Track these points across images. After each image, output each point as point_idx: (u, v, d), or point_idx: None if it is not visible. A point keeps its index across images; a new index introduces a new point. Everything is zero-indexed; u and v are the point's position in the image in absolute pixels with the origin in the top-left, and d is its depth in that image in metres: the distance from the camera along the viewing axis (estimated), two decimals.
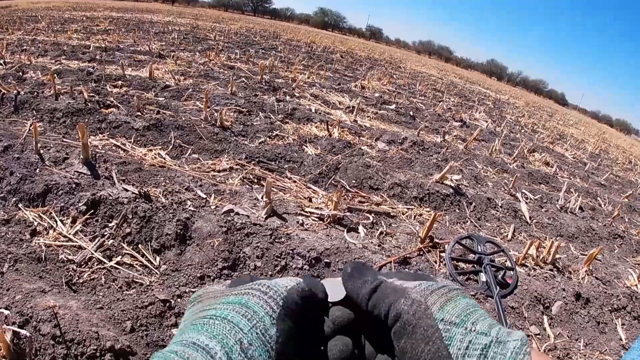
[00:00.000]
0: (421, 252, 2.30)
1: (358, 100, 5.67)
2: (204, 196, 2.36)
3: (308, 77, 7.04)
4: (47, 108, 3.23)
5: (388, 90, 8.11)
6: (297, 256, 1.90)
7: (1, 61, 4.67)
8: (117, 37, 8.28)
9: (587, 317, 2.22)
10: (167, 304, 1.52)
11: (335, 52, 14.51)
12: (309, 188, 2.79)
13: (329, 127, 4.04)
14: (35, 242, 1.72)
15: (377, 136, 4.34)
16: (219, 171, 2.77)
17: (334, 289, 0.41)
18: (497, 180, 4.00)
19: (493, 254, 2.17)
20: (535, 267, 2.51)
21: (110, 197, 2.01)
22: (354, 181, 3.00)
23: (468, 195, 3.21)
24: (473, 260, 2.10)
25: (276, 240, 1.99)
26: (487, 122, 7.56)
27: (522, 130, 8.30)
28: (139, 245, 1.85)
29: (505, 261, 2.32)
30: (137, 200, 2.06)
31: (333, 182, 2.97)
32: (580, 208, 3.88)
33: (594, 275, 2.66)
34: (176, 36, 9.82)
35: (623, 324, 2.27)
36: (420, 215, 2.80)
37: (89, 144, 2.44)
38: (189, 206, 2.18)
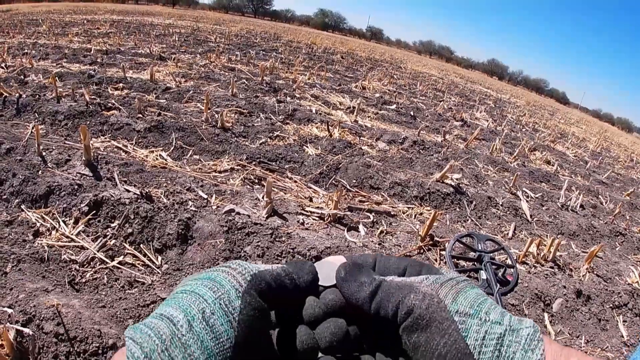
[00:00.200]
0: (421, 251, 2.31)
1: (358, 100, 5.68)
2: (205, 196, 2.37)
3: (309, 78, 7.05)
4: (49, 111, 3.26)
5: (389, 90, 8.13)
6: (297, 255, 1.92)
7: (3, 65, 4.70)
8: (118, 40, 8.31)
9: (588, 314, 2.22)
10: None
11: (335, 53, 14.54)
12: (310, 188, 2.80)
13: (330, 127, 4.05)
14: (38, 243, 1.74)
15: (377, 136, 4.35)
16: (220, 172, 2.79)
17: (333, 270, 0.40)
18: (497, 179, 4.00)
19: (493, 251, 2.18)
20: (535, 264, 2.51)
21: (112, 198, 2.02)
22: (354, 181, 3.01)
23: (469, 194, 3.21)
24: (473, 258, 2.11)
25: (277, 240, 2.01)
26: (487, 121, 7.56)
27: (523, 129, 8.30)
28: (141, 245, 1.86)
29: (506, 259, 2.32)
30: (139, 200, 2.08)
31: (333, 181, 2.98)
32: (582, 206, 3.88)
33: (595, 272, 2.66)
34: (177, 38, 9.86)
35: (624, 321, 2.27)
36: (421, 214, 2.80)
37: (90, 146, 2.46)
38: (191, 206, 2.19)
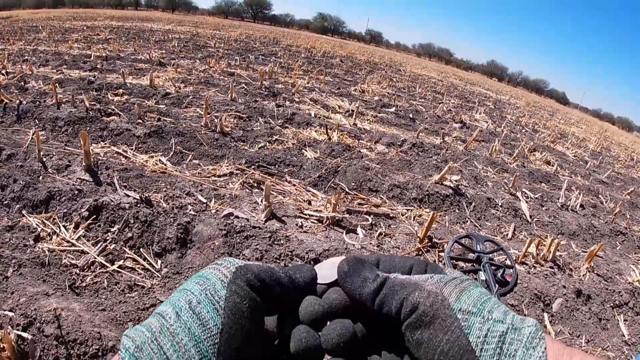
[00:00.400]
0: (420, 252, 2.31)
1: (357, 104, 5.70)
2: (205, 201, 2.38)
3: (308, 82, 7.08)
4: (49, 117, 3.28)
5: (388, 93, 8.15)
6: (295, 258, 1.92)
7: (3, 71, 4.73)
8: (117, 46, 8.37)
9: (589, 314, 2.23)
10: None
11: (335, 56, 14.59)
12: (309, 191, 2.81)
13: (329, 130, 4.07)
14: (39, 248, 1.75)
15: (376, 139, 4.37)
16: (219, 176, 2.80)
17: (331, 269, 0.39)
18: (497, 180, 4.01)
19: (492, 252, 2.18)
20: (535, 264, 2.52)
21: (112, 203, 2.04)
22: (353, 184, 3.03)
23: (468, 195, 3.22)
24: (472, 259, 2.11)
25: (275, 243, 2.01)
26: (487, 122, 7.57)
27: (523, 130, 8.31)
28: (141, 249, 1.88)
29: (505, 260, 2.33)
30: (139, 205, 2.09)
31: (332, 184, 2.99)
32: (582, 206, 3.88)
33: (595, 272, 2.66)
34: (176, 44, 9.91)
35: (625, 320, 2.27)
36: (420, 216, 2.81)
37: (90, 151, 2.48)
38: (190, 210, 2.21)
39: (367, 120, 5.38)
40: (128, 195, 2.19)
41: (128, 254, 1.84)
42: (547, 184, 4.50)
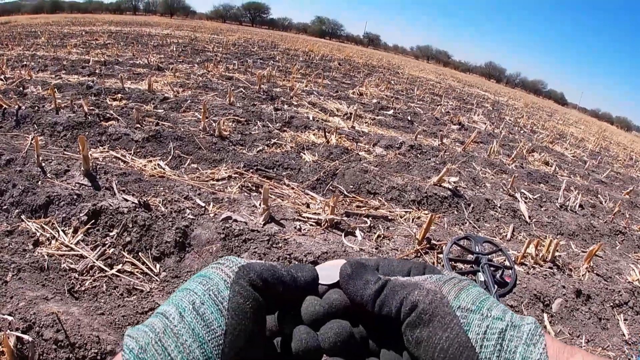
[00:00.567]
0: (418, 254, 2.31)
1: (356, 106, 5.72)
2: (203, 204, 2.39)
3: (306, 86, 7.10)
4: (48, 122, 3.29)
5: (386, 96, 8.17)
6: (294, 261, 1.93)
7: (2, 77, 4.74)
8: (116, 50, 8.39)
9: (589, 314, 2.23)
10: None
11: (333, 59, 14.63)
12: (307, 194, 2.82)
13: (327, 134, 4.08)
14: (38, 252, 1.75)
15: (374, 141, 4.38)
16: (217, 180, 2.80)
17: (333, 271, 0.39)
18: (495, 181, 4.01)
19: (491, 253, 2.18)
20: (534, 265, 2.52)
21: (111, 207, 2.04)
22: (351, 186, 3.03)
23: (466, 196, 3.22)
24: (471, 261, 2.11)
25: (274, 246, 2.02)
26: (485, 124, 7.59)
27: (521, 131, 8.33)
28: (139, 253, 1.88)
29: (504, 260, 2.33)
30: (137, 209, 2.09)
31: (331, 187, 2.99)
32: (581, 206, 3.88)
33: (595, 272, 2.66)
34: (175, 48, 9.94)
35: (625, 320, 2.27)
36: (419, 218, 2.82)
37: (89, 156, 2.49)
38: (188, 214, 2.21)
39: (366, 122, 5.39)
40: (127, 200, 2.19)
41: (127, 258, 1.84)
42: (546, 185, 4.51)
